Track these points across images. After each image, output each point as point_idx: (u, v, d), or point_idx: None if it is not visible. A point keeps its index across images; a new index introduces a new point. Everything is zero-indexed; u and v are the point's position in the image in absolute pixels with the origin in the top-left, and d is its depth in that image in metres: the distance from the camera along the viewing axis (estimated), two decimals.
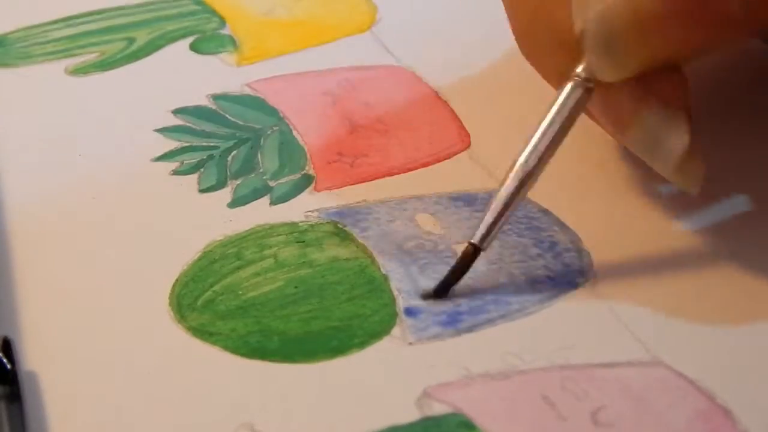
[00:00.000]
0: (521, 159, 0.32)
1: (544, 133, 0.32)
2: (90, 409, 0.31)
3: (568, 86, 0.32)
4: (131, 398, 0.31)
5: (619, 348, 0.31)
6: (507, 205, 0.32)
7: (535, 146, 0.32)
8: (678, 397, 0.30)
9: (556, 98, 0.33)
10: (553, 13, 0.33)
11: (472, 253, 0.33)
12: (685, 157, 0.32)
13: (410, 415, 0.30)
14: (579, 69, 0.32)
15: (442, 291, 0.33)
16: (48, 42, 0.44)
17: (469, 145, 0.39)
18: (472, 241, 0.32)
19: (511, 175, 0.32)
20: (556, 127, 0.32)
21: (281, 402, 0.30)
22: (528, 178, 0.32)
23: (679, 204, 0.36)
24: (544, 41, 0.34)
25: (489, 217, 0.32)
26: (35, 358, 0.32)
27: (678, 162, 0.32)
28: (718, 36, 0.32)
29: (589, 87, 0.32)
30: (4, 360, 0.31)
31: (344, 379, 0.31)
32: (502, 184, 0.32)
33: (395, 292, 0.33)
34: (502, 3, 0.36)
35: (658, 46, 0.32)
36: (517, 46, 0.36)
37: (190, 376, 0.31)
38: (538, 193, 0.36)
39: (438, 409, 0.30)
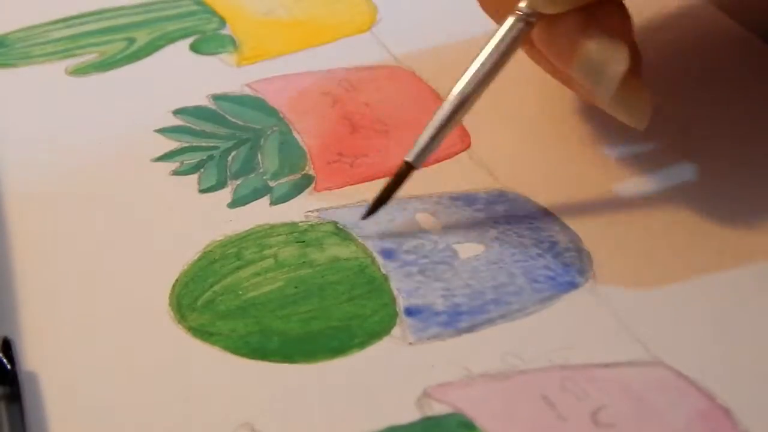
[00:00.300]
0: (458, 86, 0.34)
1: (483, 63, 0.34)
2: (90, 409, 0.31)
3: (510, 20, 0.34)
4: (131, 398, 0.31)
5: (619, 348, 0.31)
6: (442, 128, 0.34)
7: (473, 75, 0.34)
8: (678, 397, 0.30)
9: (497, 30, 0.34)
10: None
11: (406, 171, 0.34)
12: (627, 89, 0.33)
13: (410, 415, 0.30)
14: (521, 4, 0.34)
15: (377, 206, 0.35)
16: (48, 42, 0.44)
17: (469, 145, 0.39)
18: (406, 159, 0.34)
19: (449, 99, 0.34)
20: (495, 57, 0.34)
21: (281, 402, 0.30)
22: (463, 104, 0.34)
23: (684, 204, 0.36)
24: None
25: (424, 138, 0.34)
26: (35, 358, 0.32)
27: (615, 89, 0.33)
28: None
29: (530, 21, 0.34)
30: (4, 360, 0.31)
31: (344, 379, 0.31)
32: (439, 108, 0.34)
33: (395, 292, 0.33)
34: None
35: None
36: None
37: (190, 376, 0.31)
38: (539, 192, 0.36)
39: (438, 409, 0.30)
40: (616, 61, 0.33)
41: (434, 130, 0.34)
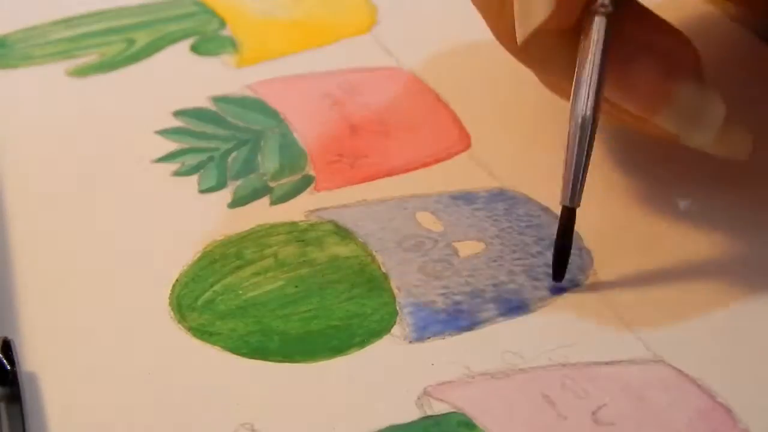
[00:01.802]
0: (579, 106, 0.31)
1: (591, 76, 0.31)
2: (90, 409, 0.31)
3: (597, 20, 0.32)
4: (131, 398, 0.31)
5: (619, 346, 0.31)
6: (580, 155, 0.31)
7: (589, 89, 0.31)
8: (679, 395, 0.30)
9: (590, 37, 0.31)
10: None
11: (567, 215, 0.32)
12: (726, 127, 0.32)
13: (410, 414, 0.30)
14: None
15: (560, 261, 0.33)
16: (48, 43, 0.44)
17: (469, 145, 0.39)
18: (562, 203, 0.32)
19: (575, 123, 0.31)
20: (599, 65, 0.31)
21: (281, 402, 0.30)
22: (591, 125, 0.31)
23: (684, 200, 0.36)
24: None
25: (569, 174, 0.32)
26: (35, 358, 0.32)
27: (719, 132, 0.32)
28: None
29: (609, 12, 0.31)
30: (4, 361, 0.31)
31: (344, 379, 0.31)
32: (569, 139, 0.31)
33: (395, 291, 0.33)
34: None
35: None
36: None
37: (190, 376, 0.31)
38: (539, 191, 0.36)
39: (438, 408, 0.30)
40: (713, 105, 0.32)
41: (573, 160, 0.31)
